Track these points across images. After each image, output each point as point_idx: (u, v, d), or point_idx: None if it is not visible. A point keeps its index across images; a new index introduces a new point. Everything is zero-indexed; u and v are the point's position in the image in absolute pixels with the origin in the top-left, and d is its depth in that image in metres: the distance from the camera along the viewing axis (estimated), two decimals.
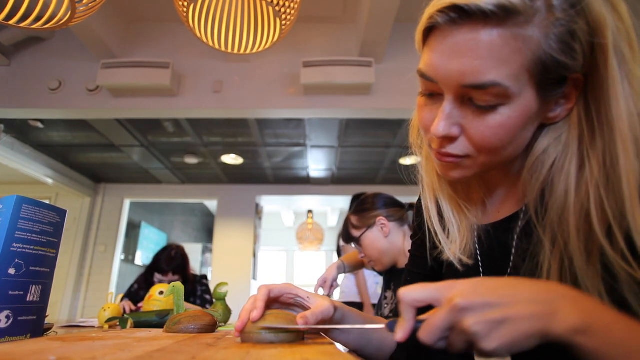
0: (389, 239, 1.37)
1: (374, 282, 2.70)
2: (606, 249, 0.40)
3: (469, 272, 0.58)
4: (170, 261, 2.13)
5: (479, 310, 0.33)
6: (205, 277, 2.30)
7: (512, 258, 0.52)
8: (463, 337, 0.34)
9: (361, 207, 1.44)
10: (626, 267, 0.39)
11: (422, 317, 0.39)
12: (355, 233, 1.42)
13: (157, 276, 2.14)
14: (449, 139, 0.47)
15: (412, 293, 0.38)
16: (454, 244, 0.58)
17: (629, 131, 0.40)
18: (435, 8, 0.44)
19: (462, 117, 0.46)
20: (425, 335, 0.36)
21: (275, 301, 0.59)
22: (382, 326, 0.46)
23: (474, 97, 0.44)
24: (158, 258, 2.18)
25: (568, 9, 0.40)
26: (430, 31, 0.46)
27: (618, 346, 0.32)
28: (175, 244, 2.29)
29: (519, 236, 0.51)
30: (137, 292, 2.17)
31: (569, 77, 0.43)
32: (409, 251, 0.76)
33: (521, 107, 0.43)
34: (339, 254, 2.35)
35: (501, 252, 0.53)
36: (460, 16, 0.42)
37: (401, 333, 0.38)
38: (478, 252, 0.57)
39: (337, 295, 2.84)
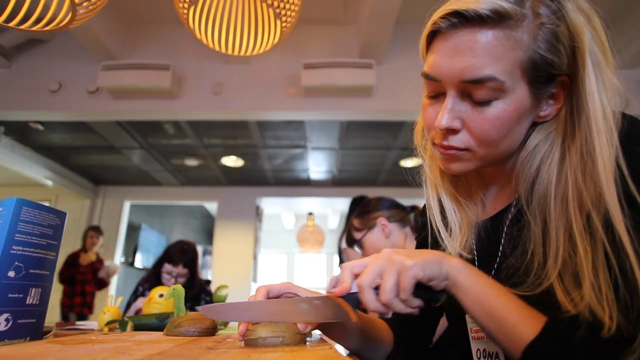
0: (390, 240, 1.37)
1: None
2: (583, 229, 0.45)
3: None
4: (183, 253, 2.13)
5: (402, 252, 0.47)
6: (208, 282, 2.31)
7: (500, 247, 0.57)
8: (395, 267, 0.46)
9: (363, 210, 1.45)
10: (607, 245, 0.42)
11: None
12: (357, 235, 1.42)
13: (167, 267, 2.11)
14: (451, 132, 0.52)
15: (352, 263, 0.51)
16: (455, 241, 0.62)
17: (602, 119, 0.46)
18: (438, 15, 0.50)
19: (462, 111, 0.51)
20: (364, 273, 0.47)
21: None
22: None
23: (473, 93, 0.49)
24: (170, 250, 2.17)
25: (551, 15, 0.47)
26: (433, 37, 0.53)
27: (479, 282, 0.46)
28: (188, 240, 2.29)
29: (509, 225, 0.56)
30: (146, 290, 2.13)
31: (556, 77, 0.49)
32: None
33: (515, 102, 0.49)
34: (340, 257, 2.34)
35: (495, 241, 0.58)
36: (460, 21, 0.48)
37: (339, 289, 0.49)
38: (474, 246, 0.61)
39: None
